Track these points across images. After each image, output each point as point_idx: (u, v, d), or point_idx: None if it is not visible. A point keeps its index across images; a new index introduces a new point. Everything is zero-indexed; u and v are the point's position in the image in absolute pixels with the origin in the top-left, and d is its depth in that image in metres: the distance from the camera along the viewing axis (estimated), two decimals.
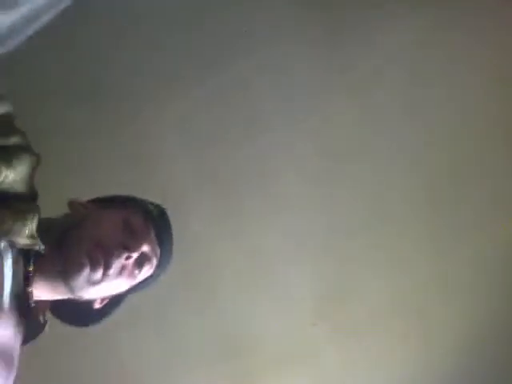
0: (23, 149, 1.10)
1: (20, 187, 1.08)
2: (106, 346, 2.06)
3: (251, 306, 2.11)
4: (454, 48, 2.17)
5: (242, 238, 2.12)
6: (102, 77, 2.11)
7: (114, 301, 1.19)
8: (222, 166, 2.13)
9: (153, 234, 1.15)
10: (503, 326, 2.11)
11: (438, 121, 2.15)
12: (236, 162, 2.13)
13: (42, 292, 1.10)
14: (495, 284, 2.13)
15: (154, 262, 1.15)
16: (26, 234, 1.04)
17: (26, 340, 1.11)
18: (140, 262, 1.12)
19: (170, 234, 1.20)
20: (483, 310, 2.12)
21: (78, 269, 1.05)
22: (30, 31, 1.90)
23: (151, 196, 1.31)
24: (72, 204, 1.19)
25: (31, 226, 1.05)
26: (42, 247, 1.06)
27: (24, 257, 1.07)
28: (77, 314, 1.17)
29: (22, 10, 1.76)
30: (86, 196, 1.28)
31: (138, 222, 1.13)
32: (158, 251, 1.16)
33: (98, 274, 1.06)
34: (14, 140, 1.09)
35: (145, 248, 1.12)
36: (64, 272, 1.06)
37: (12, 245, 1.04)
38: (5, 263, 1.02)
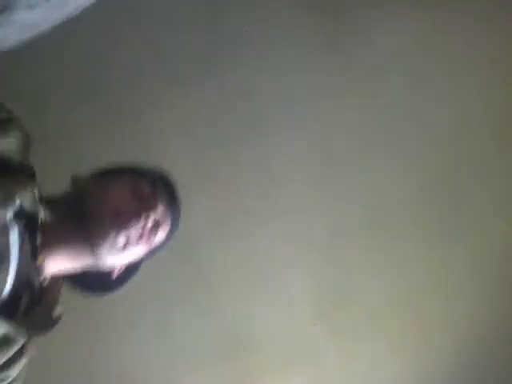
0: (12, 121, 1.16)
1: (18, 158, 1.13)
2: (106, 346, 2.06)
3: (251, 306, 2.11)
4: (454, 48, 2.18)
5: (242, 238, 2.12)
6: (101, 77, 2.12)
7: (132, 267, 1.25)
8: (222, 167, 2.13)
9: (162, 199, 1.21)
10: (502, 326, 2.12)
11: (437, 121, 2.16)
12: (236, 162, 2.13)
13: (63, 262, 1.16)
14: (494, 285, 2.13)
15: (167, 226, 1.22)
16: (31, 198, 1.10)
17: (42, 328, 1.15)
18: (155, 228, 1.19)
19: (177, 197, 1.27)
20: (482, 310, 2.12)
21: (104, 237, 1.13)
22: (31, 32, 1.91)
23: None
24: (76, 179, 1.23)
25: (34, 193, 1.11)
26: (47, 214, 1.13)
27: (30, 233, 1.11)
28: (98, 281, 1.24)
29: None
30: None
31: (147, 190, 1.20)
32: (169, 215, 1.23)
33: (122, 241, 1.14)
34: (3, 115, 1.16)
35: (158, 213, 1.19)
36: (89, 240, 1.14)
37: (19, 215, 1.08)
38: (11, 237, 1.06)
